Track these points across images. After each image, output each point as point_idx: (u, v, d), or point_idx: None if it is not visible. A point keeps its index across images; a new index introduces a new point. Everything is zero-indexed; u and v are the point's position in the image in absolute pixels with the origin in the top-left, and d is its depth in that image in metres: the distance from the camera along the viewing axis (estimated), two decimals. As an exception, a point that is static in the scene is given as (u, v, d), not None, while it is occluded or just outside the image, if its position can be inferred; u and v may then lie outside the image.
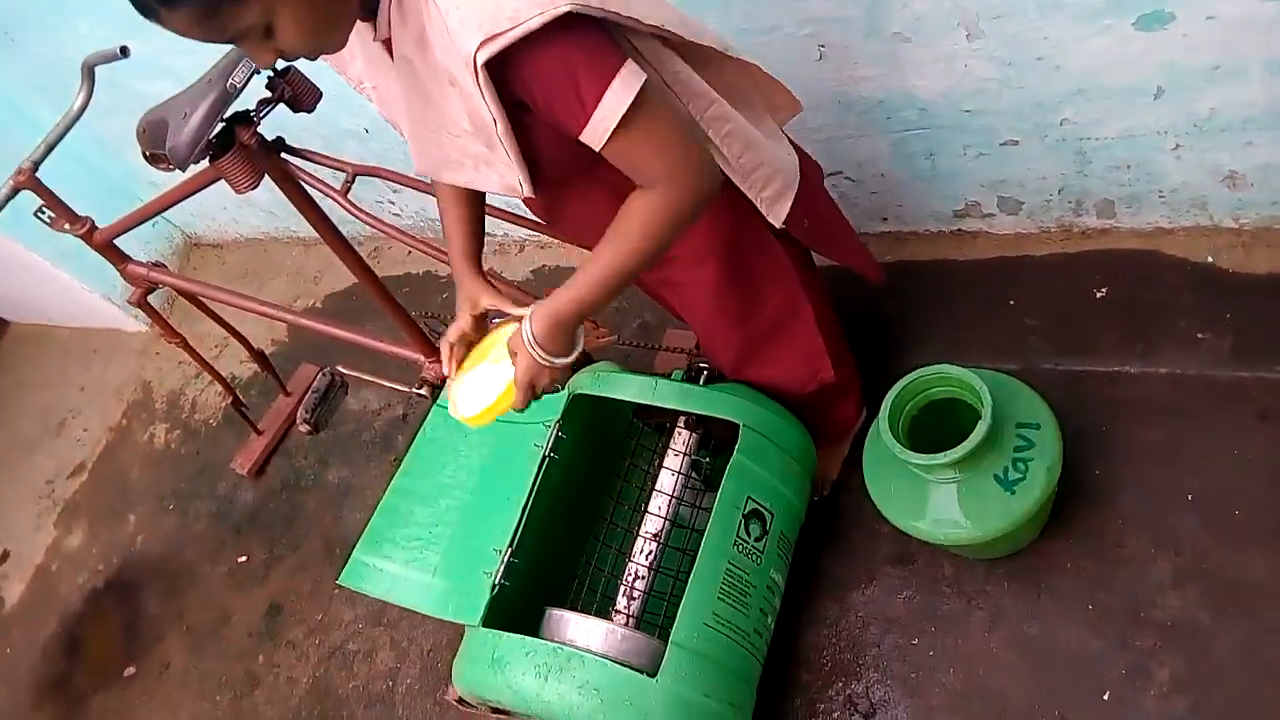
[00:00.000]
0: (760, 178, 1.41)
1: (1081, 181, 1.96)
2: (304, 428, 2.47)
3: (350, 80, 1.42)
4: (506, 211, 2.03)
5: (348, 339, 2.27)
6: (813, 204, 1.63)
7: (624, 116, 1.12)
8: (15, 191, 2.04)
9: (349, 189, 1.93)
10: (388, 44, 1.26)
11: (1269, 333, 1.83)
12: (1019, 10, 1.65)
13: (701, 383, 1.94)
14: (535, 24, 1.03)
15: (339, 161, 1.94)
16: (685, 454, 1.91)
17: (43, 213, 2.11)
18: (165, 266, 2.35)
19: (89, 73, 2.04)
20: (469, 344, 1.56)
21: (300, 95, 1.84)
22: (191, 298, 2.39)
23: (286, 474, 2.84)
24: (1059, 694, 1.71)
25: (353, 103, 2.57)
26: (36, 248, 3.14)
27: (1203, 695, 1.61)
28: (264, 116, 1.82)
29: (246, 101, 1.81)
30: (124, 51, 2.01)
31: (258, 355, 2.69)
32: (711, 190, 1.26)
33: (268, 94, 1.82)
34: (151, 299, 2.34)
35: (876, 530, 1.98)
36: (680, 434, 1.94)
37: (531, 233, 2.16)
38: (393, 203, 3.00)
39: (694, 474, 1.97)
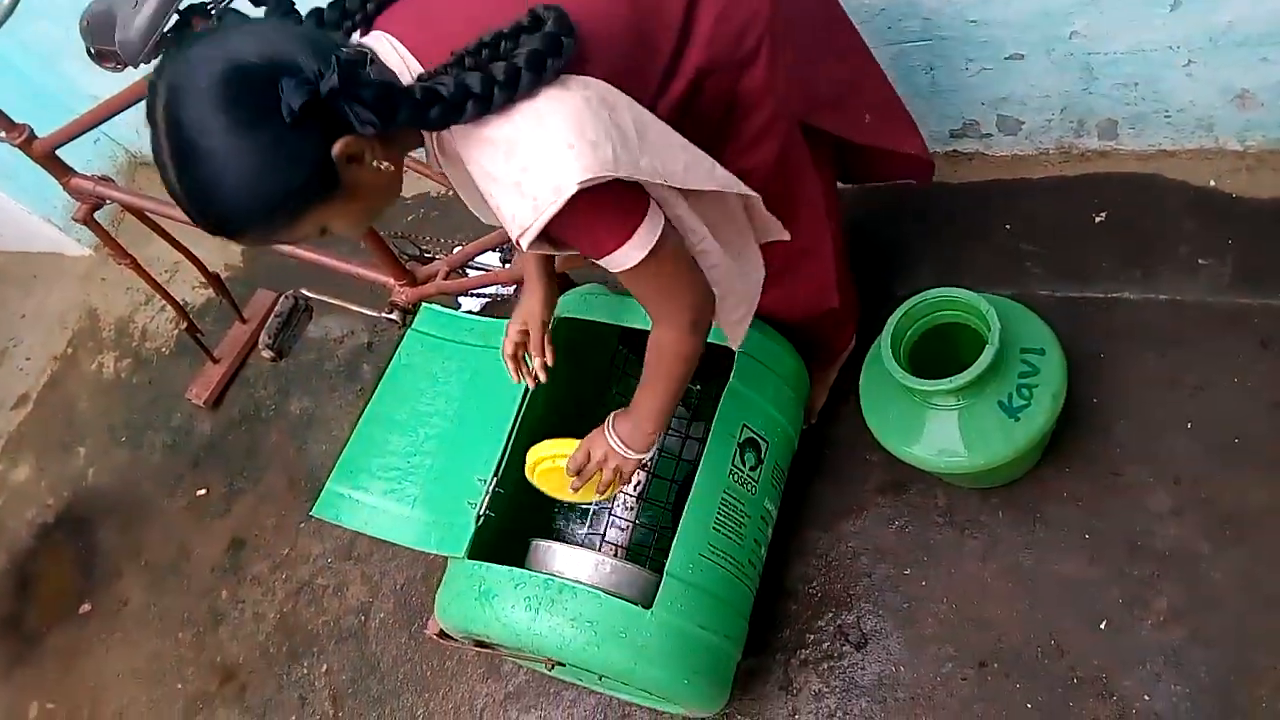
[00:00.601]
0: (729, 306, 1.49)
1: (1086, 100, 1.89)
2: (267, 354, 2.34)
3: None
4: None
5: (311, 259, 2.16)
6: (873, 97, 1.67)
7: (635, 268, 1.22)
8: (-58, 96, 1.88)
9: (314, 97, 1.79)
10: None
11: (1272, 259, 1.79)
12: (1035, -88, 1.56)
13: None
14: (553, 211, 1.11)
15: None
16: (674, 381, 1.83)
17: (-27, 119, 1.95)
18: (112, 181, 2.19)
19: (20, -38, 1.86)
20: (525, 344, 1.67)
21: (263, -11, 1.69)
22: (141, 215, 2.24)
23: (245, 404, 2.72)
24: (1055, 623, 1.69)
25: None
26: (-34, 163, 2.94)
27: (1200, 624, 1.61)
28: (224, 8, 1.67)
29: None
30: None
31: (213, 279, 2.55)
32: (708, 324, 1.40)
33: (225, -14, 1.67)
34: (97, 218, 2.19)
35: (867, 460, 1.94)
36: (668, 360, 1.86)
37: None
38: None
39: (681, 404, 1.90)
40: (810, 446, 1.98)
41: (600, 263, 1.24)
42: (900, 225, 2.13)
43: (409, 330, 1.94)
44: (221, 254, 2.94)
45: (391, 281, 2.13)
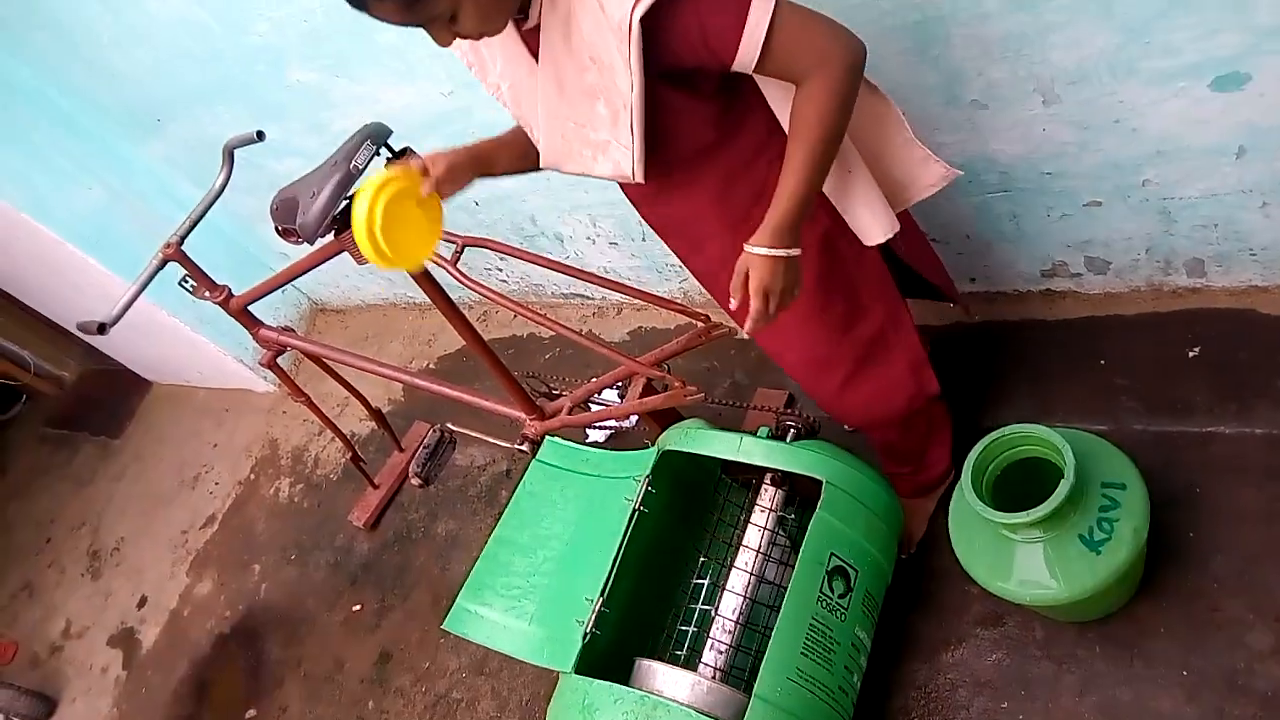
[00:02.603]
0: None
1: (1168, 241, 1.96)
2: (415, 481, 2.62)
3: (489, 87, 1.58)
4: (607, 279, 2.14)
5: (455, 397, 2.42)
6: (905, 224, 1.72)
7: (771, 21, 1.28)
8: (164, 263, 2.27)
9: (458, 259, 2.07)
10: (532, 37, 1.43)
11: (1371, 392, 1.78)
12: (1092, 76, 1.69)
13: (788, 440, 2.00)
14: None
15: (449, 234, 2.09)
16: (771, 510, 1.96)
17: (186, 282, 2.33)
18: (293, 331, 2.55)
19: (229, 155, 2.27)
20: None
21: (414, 174, 2.01)
22: (316, 359, 2.59)
23: (399, 526, 2.99)
24: (1154, 761, 1.67)
25: (463, 178, 2.76)
26: (179, 314, 3.44)
27: (1307, 767, 1.56)
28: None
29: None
30: (260, 135, 2.24)
31: (375, 413, 2.87)
32: (863, 57, 1.36)
33: (385, 174, 1.99)
34: (280, 361, 2.55)
35: (966, 591, 1.98)
36: (766, 490, 2.00)
37: (628, 298, 2.28)
38: (500, 269, 3.18)
39: (781, 531, 2.01)
40: (910, 577, 2.04)
41: (741, 48, 1.29)
42: (996, 361, 2.21)
43: (534, 460, 2.16)
44: (385, 390, 3.29)
45: (523, 416, 2.37)
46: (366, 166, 1.89)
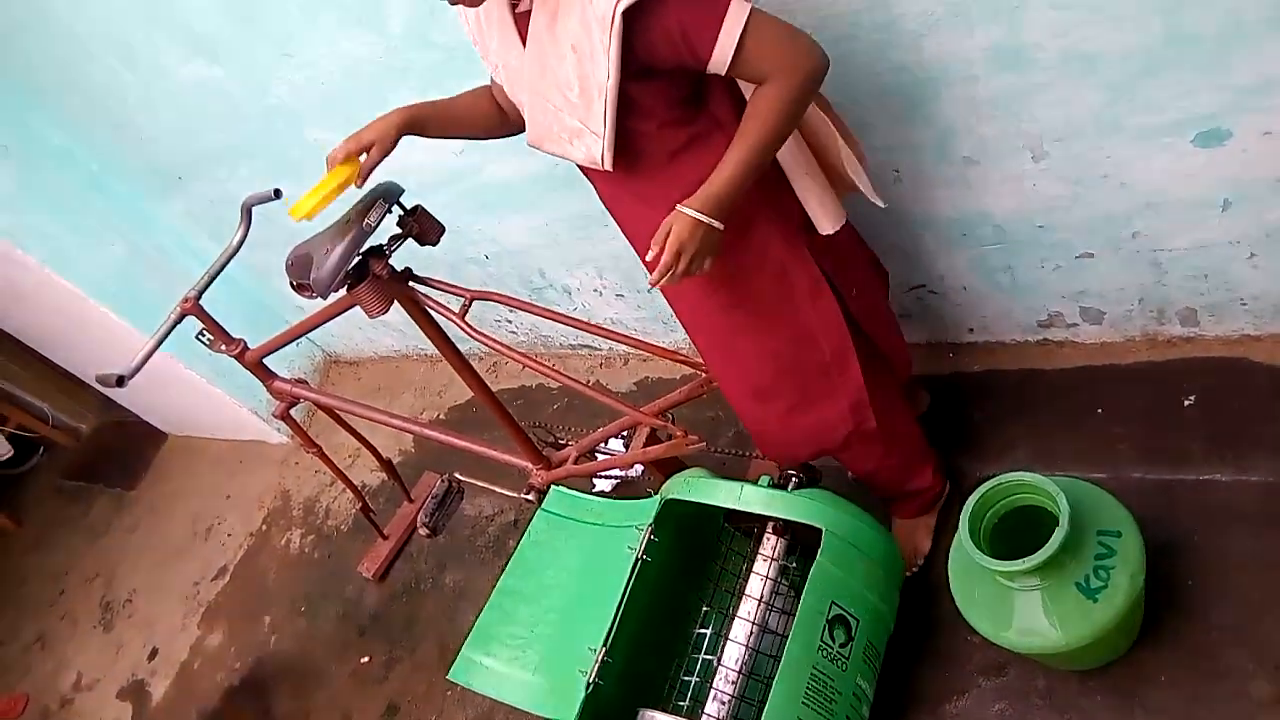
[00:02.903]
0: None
1: (1161, 291, 1.99)
2: (423, 531, 2.65)
3: (488, 64, 1.68)
4: (608, 330, 2.19)
5: (463, 448, 2.46)
6: (868, 285, 1.86)
7: (745, 24, 1.38)
8: (182, 317, 2.33)
9: (466, 311, 2.13)
10: (523, 21, 1.52)
11: (1366, 440, 1.80)
12: (1080, 132, 1.74)
13: (790, 489, 2.02)
14: None
15: (458, 288, 2.15)
16: (773, 559, 1.98)
17: (203, 335, 2.39)
18: (306, 383, 2.61)
19: (247, 212, 2.34)
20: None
21: (426, 231, 2.07)
22: (328, 411, 2.64)
23: (408, 577, 3.01)
24: (1157, 812, 1.66)
25: (474, 234, 2.83)
26: (195, 366, 3.51)
27: (1310, 817, 1.55)
28: (394, 250, 2.05)
29: (380, 236, 2.05)
30: (277, 193, 2.31)
31: (386, 464, 2.91)
32: (825, 67, 1.46)
33: (398, 230, 2.06)
34: (293, 413, 2.60)
35: (968, 641, 1.98)
36: (769, 539, 2.02)
37: (634, 349, 2.33)
38: (510, 320, 3.24)
39: (784, 580, 2.03)
40: (911, 628, 2.05)
41: (716, 47, 1.39)
42: (995, 410, 2.24)
43: (539, 510, 2.19)
44: (396, 441, 3.33)
45: (529, 466, 2.41)
46: (379, 224, 1.96)
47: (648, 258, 1.54)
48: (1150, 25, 1.52)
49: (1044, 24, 1.58)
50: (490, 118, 1.83)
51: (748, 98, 1.52)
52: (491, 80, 1.77)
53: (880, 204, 1.74)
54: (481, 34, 1.65)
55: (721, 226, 1.51)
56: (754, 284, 1.74)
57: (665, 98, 1.53)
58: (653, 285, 1.55)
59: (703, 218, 1.48)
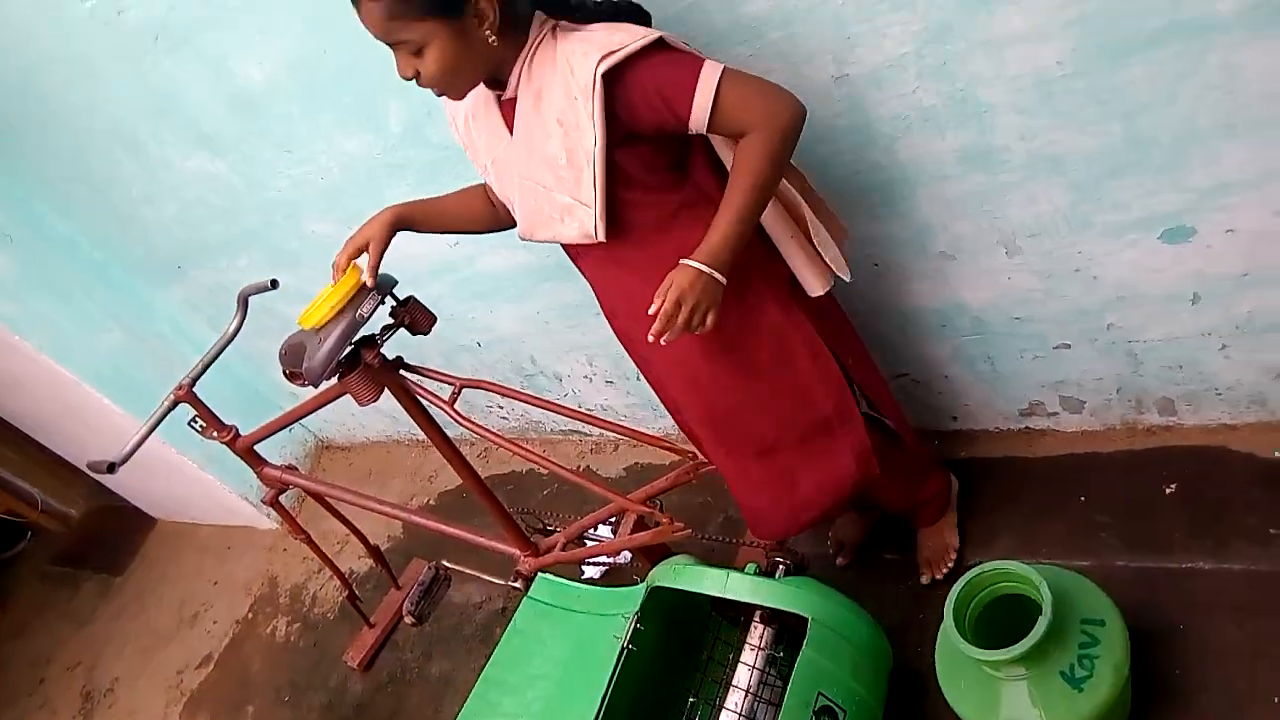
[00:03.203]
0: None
1: (1138, 381, 2.03)
2: (409, 619, 2.63)
3: (479, 167, 1.75)
4: (594, 417, 2.23)
5: (451, 534, 2.46)
6: (864, 357, 1.93)
7: (719, 81, 1.45)
8: (175, 405, 2.35)
9: (456, 399, 2.16)
10: (510, 107, 1.59)
11: (1343, 529, 1.82)
12: (1051, 229, 1.81)
13: (777, 576, 2.02)
14: (642, 44, 1.44)
15: (448, 376, 2.19)
16: (760, 649, 1.97)
17: (195, 422, 2.42)
18: (297, 469, 2.62)
19: (243, 302, 2.38)
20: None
21: (418, 320, 2.11)
22: (317, 497, 2.65)
23: (394, 667, 2.98)
24: None
25: (467, 322, 2.89)
26: (188, 452, 3.52)
27: None
28: (387, 339, 2.09)
29: (373, 326, 2.09)
30: (274, 284, 2.36)
31: (374, 551, 2.90)
32: (803, 116, 1.51)
33: (390, 320, 2.10)
34: (284, 498, 2.61)
35: (957, 730, 1.97)
36: (756, 628, 2.01)
37: (622, 436, 2.36)
38: (501, 407, 3.27)
39: (772, 670, 2.02)
40: (899, 717, 2.03)
41: (694, 104, 1.45)
42: (980, 499, 2.25)
43: (525, 598, 2.19)
44: (386, 527, 3.32)
45: (517, 552, 2.41)
46: (371, 315, 2.00)
47: (649, 311, 1.52)
48: (1111, 130, 1.59)
49: (1010, 128, 1.65)
50: (481, 214, 1.90)
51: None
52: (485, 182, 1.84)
53: (846, 278, 1.77)
54: (469, 134, 1.72)
55: (723, 280, 1.52)
56: (753, 345, 1.77)
57: (651, 164, 1.58)
58: (654, 337, 1.53)
59: (704, 268, 1.50)
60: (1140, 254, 1.78)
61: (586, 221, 1.58)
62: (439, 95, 1.58)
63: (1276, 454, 1.97)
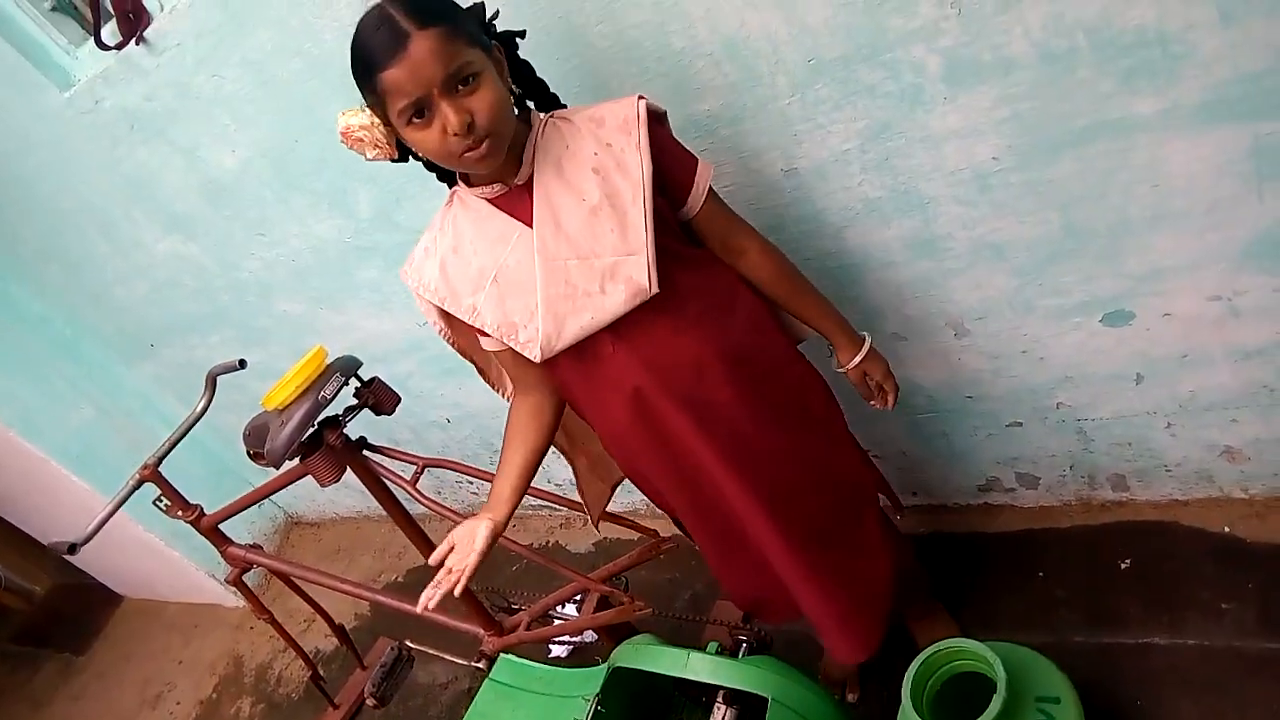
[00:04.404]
0: None
1: (1089, 458, 2.08)
2: (370, 701, 2.59)
3: (464, 310, 1.54)
4: (555, 495, 2.24)
5: (415, 613, 2.44)
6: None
7: (708, 193, 1.56)
8: (140, 484, 2.35)
9: (418, 479, 2.17)
10: (516, 201, 1.47)
11: (1292, 603, 1.85)
12: (996, 311, 1.86)
13: (740, 655, 2.02)
14: (652, 106, 1.48)
15: (411, 456, 2.20)
16: (722, 729, 1.96)
17: (160, 501, 2.41)
18: (261, 548, 2.61)
19: (211, 381, 2.40)
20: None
21: (381, 401, 2.14)
22: (282, 577, 2.63)
23: (358, 749, 2.93)
24: None
25: (436, 399, 2.91)
26: (153, 529, 3.50)
27: None
28: (350, 420, 2.11)
29: (336, 407, 2.11)
30: (242, 364, 2.38)
31: (338, 630, 2.86)
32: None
33: (354, 401, 2.13)
34: (249, 577, 2.59)
35: (921, 811, 1.96)
36: (719, 709, 2.00)
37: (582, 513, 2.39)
38: (471, 482, 3.27)
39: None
40: (865, 797, 2.02)
41: (693, 187, 1.53)
42: (940, 574, 2.27)
43: (486, 679, 2.17)
44: (352, 606, 3.29)
45: (481, 632, 2.40)
46: (334, 397, 2.03)
47: (875, 405, 1.81)
48: (1049, 219, 1.66)
49: (952, 218, 1.72)
50: (541, 419, 1.74)
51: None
52: (494, 355, 1.67)
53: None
54: (449, 284, 1.55)
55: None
56: (806, 405, 1.73)
57: (671, 214, 1.55)
58: (891, 407, 1.81)
59: (867, 344, 1.74)
60: (1084, 336, 1.83)
61: (637, 273, 1.43)
62: (481, 155, 1.37)
63: (1226, 529, 2.01)
